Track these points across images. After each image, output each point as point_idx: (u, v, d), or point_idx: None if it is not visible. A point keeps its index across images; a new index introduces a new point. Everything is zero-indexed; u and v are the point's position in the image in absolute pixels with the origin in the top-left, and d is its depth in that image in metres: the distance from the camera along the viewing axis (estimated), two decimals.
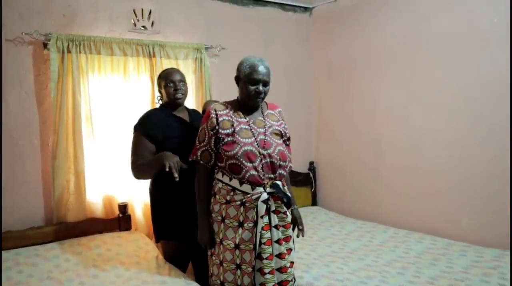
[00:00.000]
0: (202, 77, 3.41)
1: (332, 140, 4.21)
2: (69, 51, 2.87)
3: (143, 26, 3.27)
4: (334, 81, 4.13)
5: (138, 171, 2.34)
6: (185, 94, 2.50)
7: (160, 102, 2.57)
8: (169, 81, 2.44)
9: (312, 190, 4.29)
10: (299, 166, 4.21)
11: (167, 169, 2.09)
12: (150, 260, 2.58)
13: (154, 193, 2.50)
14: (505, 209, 2.85)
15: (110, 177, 3.10)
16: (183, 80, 2.49)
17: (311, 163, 4.35)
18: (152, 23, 3.31)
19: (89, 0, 3.05)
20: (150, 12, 3.28)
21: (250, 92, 2.08)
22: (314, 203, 4.31)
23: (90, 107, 2.99)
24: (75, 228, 2.92)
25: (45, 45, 2.85)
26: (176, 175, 2.09)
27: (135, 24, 3.24)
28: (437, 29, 3.20)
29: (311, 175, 4.29)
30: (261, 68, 2.08)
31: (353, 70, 3.92)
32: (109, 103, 3.11)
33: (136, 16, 3.24)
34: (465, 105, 3.06)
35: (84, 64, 2.95)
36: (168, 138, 2.35)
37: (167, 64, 3.22)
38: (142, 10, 3.25)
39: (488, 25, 2.89)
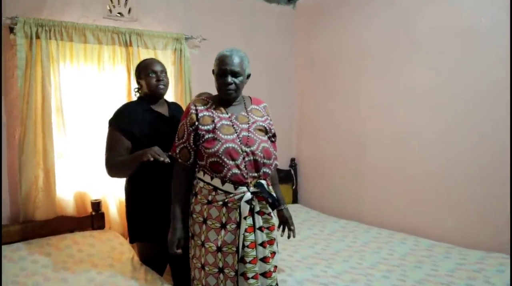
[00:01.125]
0: (182, 69, 3.26)
1: (314, 137, 4.12)
2: (38, 37, 2.67)
3: (119, 13, 3.09)
4: (316, 76, 4.04)
5: (113, 169, 2.20)
6: (166, 86, 2.36)
7: (137, 94, 2.42)
8: (150, 71, 2.29)
9: (293, 187, 4.21)
10: (280, 162, 4.06)
11: (151, 159, 1.95)
12: (124, 262, 2.43)
13: (129, 190, 2.35)
14: (488, 210, 2.83)
15: (82, 172, 2.92)
16: (165, 71, 2.35)
17: (292, 160, 4.26)
18: (129, 10, 3.13)
19: None
20: None
21: (219, 84, 1.98)
22: (295, 200, 4.23)
23: (61, 98, 2.80)
24: (44, 226, 2.74)
25: (11, 30, 2.64)
26: (163, 158, 1.96)
27: (110, 11, 3.06)
28: (423, 25, 3.14)
29: (292, 172, 4.20)
30: (230, 59, 1.96)
31: (336, 65, 3.83)
32: (82, 94, 2.92)
33: (112, 2, 3.06)
34: (450, 104, 3.02)
35: (55, 52, 2.75)
36: (145, 135, 2.21)
37: (144, 54, 3.05)
38: None
39: (474, 23, 2.84)
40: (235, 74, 1.97)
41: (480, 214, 2.88)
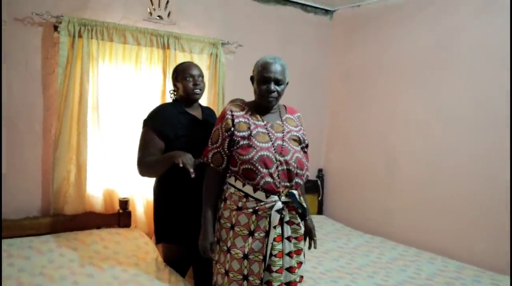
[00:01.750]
0: (216, 74, 3.27)
1: (343, 148, 4.07)
2: (80, 36, 2.73)
3: (159, 16, 3.14)
4: (350, 88, 4.00)
5: (145, 168, 2.21)
6: (202, 90, 2.38)
7: (173, 96, 2.44)
8: (188, 75, 2.31)
9: (319, 198, 4.16)
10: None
11: (180, 165, 1.96)
12: (149, 262, 2.44)
13: (159, 191, 2.37)
14: None
15: (113, 170, 2.96)
16: (202, 76, 2.37)
17: (320, 170, 4.22)
18: (169, 14, 3.17)
19: None
20: (167, 2, 3.15)
21: (262, 91, 1.96)
22: (320, 211, 4.18)
23: (97, 96, 2.85)
24: (73, 221, 2.78)
25: (55, 28, 2.72)
26: (191, 170, 1.96)
27: (150, 13, 3.11)
28: (464, 43, 3.07)
29: (319, 182, 4.16)
30: (274, 67, 1.95)
31: (372, 78, 3.78)
32: (118, 93, 2.97)
33: (152, 5, 3.11)
34: (488, 123, 2.93)
35: (95, 51, 2.81)
36: (179, 137, 2.22)
37: (181, 57, 3.08)
38: None
39: None
40: (278, 82, 1.96)
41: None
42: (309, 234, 2.21)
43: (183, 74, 2.32)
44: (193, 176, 1.97)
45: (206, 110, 2.50)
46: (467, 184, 3.04)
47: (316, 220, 3.82)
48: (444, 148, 3.20)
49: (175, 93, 2.42)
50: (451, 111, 3.16)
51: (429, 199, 3.29)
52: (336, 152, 4.16)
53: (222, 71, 3.29)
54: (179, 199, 2.25)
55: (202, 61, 3.20)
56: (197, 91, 2.32)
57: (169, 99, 2.58)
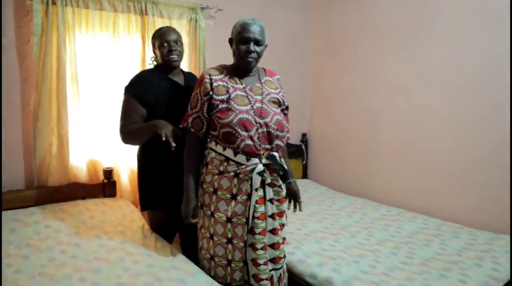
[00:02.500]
0: (197, 39, 3.22)
1: (326, 113, 4.09)
2: (54, 3, 2.64)
3: None
4: (333, 52, 3.98)
5: (128, 136, 2.21)
6: (180, 56, 2.34)
7: (154, 63, 2.41)
8: (163, 41, 2.27)
9: (304, 162, 4.20)
10: (291, 137, 4.07)
11: (163, 138, 1.96)
12: (135, 230, 2.47)
13: (142, 159, 2.38)
14: (499, 192, 2.81)
15: (95, 140, 2.94)
16: (178, 41, 2.33)
17: (304, 135, 4.25)
18: None
19: None
20: None
21: (241, 51, 1.95)
22: (304, 175, 4.23)
23: (76, 66, 2.78)
24: (57, 192, 2.78)
25: None
26: (173, 144, 1.96)
27: None
28: (442, 2, 3.05)
29: (303, 147, 4.19)
30: (253, 27, 1.94)
31: (353, 42, 3.76)
32: (97, 62, 2.91)
33: None
34: (468, 84, 2.96)
35: (71, 19, 2.73)
36: (160, 103, 2.21)
37: (160, 23, 3.02)
38: None
39: (501, 1, 2.75)
40: (257, 42, 1.95)
41: (490, 196, 2.86)
42: (294, 196, 2.24)
43: (159, 41, 2.29)
44: (173, 149, 1.96)
45: (189, 76, 2.47)
46: (445, 144, 3.10)
47: (301, 184, 3.87)
48: (423, 109, 3.23)
49: (156, 60, 2.40)
50: (430, 72, 3.17)
51: (410, 160, 3.35)
52: (319, 116, 4.18)
53: (202, 37, 3.24)
54: (162, 166, 2.26)
55: (181, 27, 3.14)
56: (173, 57, 2.29)
57: (148, 67, 2.54)
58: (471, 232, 2.76)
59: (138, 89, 2.22)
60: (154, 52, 2.37)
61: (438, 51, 3.11)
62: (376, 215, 3.11)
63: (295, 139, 4.16)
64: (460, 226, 2.89)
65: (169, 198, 2.25)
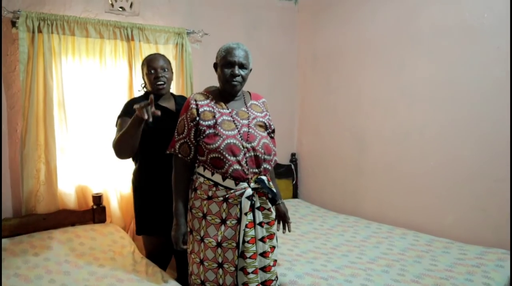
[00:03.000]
0: (183, 63, 3.25)
1: (315, 132, 4.12)
2: (40, 31, 2.67)
3: (121, 7, 3.08)
4: (318, 72, 4.04)
5: (117, 144, 2.14)
6: (168, 82, 2.36)
7: (144, 90, 2.43)
8: (150, 68, 2.31)
9: (294, 182, 4.21)
10: (281, 157, 4.11)
11: (145, 117, 1.82)
12: (126, 255, 2.45)
13: (136, 184, 2.39)
14: (488, 206, 2.84)
15: (83, 166, 2.93)
16: (166, 67, 2.35)
17: (293, 155, 4.27)
18: (131, 4, 3.12)
19: None
20: None
21: (226, 75, 1.97)
22: (295, 195, 4.24)
23: (62, 92, 2.79)
24: (46, 220, 2.75)
25: (13, 24, 2.64)
26: (150, 119, 1.83)
27: (112, 5, 3.05)
28: (425, 21, 3.13)
29: (292, 166, 4.21)
30: (237, 51, 1.97)
31: (338, 61, 3.83)
32: (84, 88, 2.92)
33: None
34: (451, 100, 3.01)
35: (57, 46, 2.75)
36: (152, 130, 2.21)
37: (146, 48, 3.05)
38: None
39: (477, 19, 2.83)
40: (242, 66, 1.98)
41: (479, 210, 2.88)
42: (283, 218, 2.24)
43: (146, 68, 2.33)
44: (150, 119, 1.84)
45: (180, 100, 2.47)
46: (433, 160, 3.13)
47: (292, 204, 3.89)
48: (409, 126, 3.28)
49: (145, 87, 2.42)
50: (414, 89, 3.23)
51: (398, 177, 3.38)
52: (308, 136, 4.21)
53: (189, 61, 3.27)
54: (157, 191, 2.27)
55: (168, 52, 3.17)
56: (160, 85, 2.30)
57: (137, 93, 2.56)
58: (461, 247, 2.77)
59: (131, 112, 2.17)
60: (144, 79, 2.40)
61: (421, 69, 3.18)
62: (367, 233, 3.12)
63: (284, 159, 4.18)
64: (450, 241, 2.90)
65: (164, 223, 2.23)
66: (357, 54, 3.65)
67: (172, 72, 2.46)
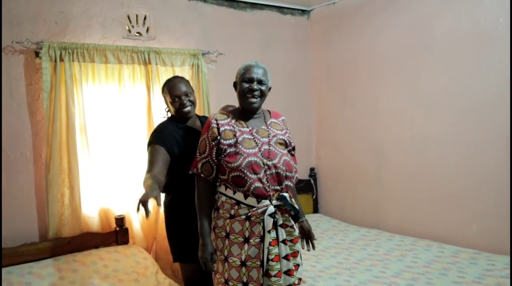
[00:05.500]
0: (200, 84, 3.31)
1: (333, 146, 4.12)
2: (61, 60, 2.76)
3: (138, 33, 3.17)
4: (334, 85, 4.05)
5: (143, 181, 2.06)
6: (194, 105, 2.37)
7: (169, 114, 2.44)
8: (174, 97, 2.31)
9: (313, 197, 4.20)
10: (300, 172, 4.05)
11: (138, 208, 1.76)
12: (149, 276, 2.48)
13: (171, 211, 2.35)
14: None
15: (106, 189, 2.99)
16: (189, 92, 2.35)
17: (312, 169, 4.26)
18: (147, 29, 3.21)
19: (82, 7, 2.95)
20: (145, 18, 3.19)
21: (244, 90, 1.99)
22: (315, 210, 4.21)
23: (84, 118, 2.87)
24: (71, 243, 2.80)
25: (37, 54, 2.75)
26: (145, 214, 1.73)
27: (129, 31, 3.14)
28: (439, 30, 3.13)
29: (312, 181, 4.20)
30: (256, 68, 2.01)
31: (353, 73, 3.84)
32: (104, 112, 3.00)
33: (130, 22, 3.14)
34: (469, 109, 2.99)
35: (78, 73, 2.84)
36: (185, 153, 2.21)
37: (163, 71, 3.12)
38: (137, 16, 3.15)
39: (493, 26, 2.83)
40: (260, 82, 2.01)
41: (505, 219, 2.83)
42: (307, 235, 2.22)
43: (169, 96, 2.33)
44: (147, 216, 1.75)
45: (204, 120, 2.43)
46: (454, 169, 3.10)
47: (312, 219, 3.87)
48: (428, 136, 3.26)
49: (169, 111, 2.42)
50: (431, 99, 3.22)
51: (419, 187, 3.34)
52: (326, 150, 4.21)
53: (205, 81, 3.33)
54: (192, 218, 2.16)
55: (184, 73, 3.23)
56: (187, 110, 2.32)
57: (155, 115, 2.58)
58: (488, 257, 2.71)
59: (161, 138, 2.23)
60: (167, 104, 2.41)
61: (437, 78, 3.17)
62: (390, 246, 3.08)
63: (303, 174, 4.18)
64: (477, 251, 2.84)
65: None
66: (372, 66, 3.66)
67: (194, 94, 2.44)
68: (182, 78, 2.44)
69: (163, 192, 2.34)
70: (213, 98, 3.41)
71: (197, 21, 3.47)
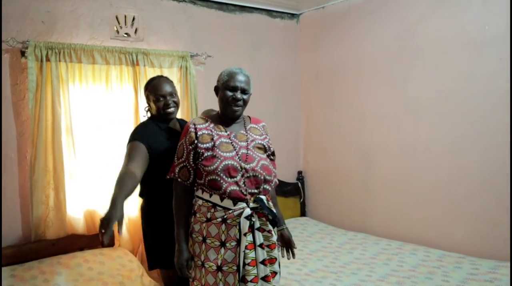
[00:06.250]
0: (188, 86, 3.30)
1: (320, 150, 4.13)
2: (48, 60, 2.73)
3: (126, 33, 3.15)
4: (322, 89, 4.07)
5: (116, 180, 1.97)
6: (177, 106, 2.32)
7: (149, 114, 2.37)
8: (158, 96, 2.24)
9: (301, 200, 4.20)
10: (287, 175, 4.13)
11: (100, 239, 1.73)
12: (134, 279, 2.46)
13: (146, 218, 2.29)
14: (499, 219, 2.81)
15: (92, 190, 2.96)
16: (173, 92, 2.30)
17: (300, 173, 4.27)
18: (136, 30, 3.19)
19: (70, 7, 2.92)
20: (133, 19, 3.17)
21: (228, 98, 1.97)
22: (303, 213, 4.21)
23: (70, 118, 2.84)
24: (55, 245, 2.77)
25: (22, 53, 2.71)
26: (104, 241, 1.72)
27: (117, 31, 3.12)
28: (426, 35, 3.16)
29: (299, 184, 4.20)
30: (240, 76, 1.99)
31: (341, 78, 3.86)
32: (91, 114, 2.97)
33: (119, 23, 3.12)
34: (456, 114, 3.02)
35: (64, 73, 2.81)
36: (166, 155, 2.14)
37: (151, 72, 3.10)
38: (125, 16, 3.14)
39: (478, 32, 2.86)
40: (244, 91, 2.00)
41: (490, 223, 2.86)
42: (288, 243, 2.18)
43: (153, 95, 2.26)
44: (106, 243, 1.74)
45: (183, 123, 2.43)
46: (440, 174, 3.12)
47: (300, 222, 3.88)
48: (414, 141, 3.28)
49: (150, 111, 2.35)
50: (418, 104, 3.24)
51: (406, 192, 3.36)
52: (313, 154, 4.22)
53: (193, 83, 3.32)
54: (167, 223, 2.12)
55: (172, 75, 3.22)
56: (171, 110, 2.26)
57: (142, 116, 2.54)
58: (473, 262, 2.74)
59: (144, 136, 2.16)
60: (149, 104, 2.34)
61: (424, 84, 3.19)
62: (376, 250, 3.09)
63: (291, 178, 4.19)
64: (462, 255, 2.87)
65: None
66: (360, 71, 3.68)
67: (178, 95, 2.39)
68: (167, 78, 2.39)
69: (139, 195, 2.28)
70: (201, 101, 3.40)
71: (186, 23, 3.46)
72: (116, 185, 1.89)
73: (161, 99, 2.24)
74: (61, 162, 2.78)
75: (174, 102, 2.29)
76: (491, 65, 2.81)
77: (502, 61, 2.75)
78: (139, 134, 2.19)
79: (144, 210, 2.30)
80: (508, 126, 2.74)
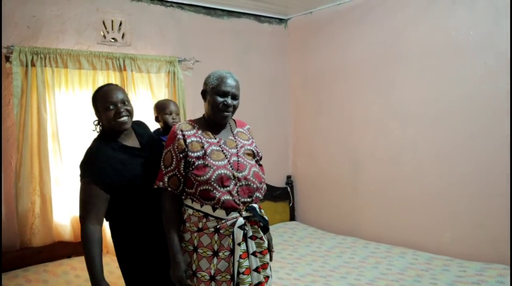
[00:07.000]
0: (176, 91, 3.29)
1: (309, 154, 4.14)
2: (33, 65, 2.71)
3: (113, 38, 3.14)
4: (310, 93, 4.08)
5: (82, 240, 1.87)
6: (131, 115, 1.97)
7: (98, 129, 2.05)
8: (108, 104, 1.90)
9: (290, 204, 4.20)
10: (276, 180, 4.13)
11: None
12: (122, 285, 2.42)
13: (119, 243, 2.09)
14: (486, 222, 2.84)
15: (78, 197, 2.91)
16: (126, 100, 1.95)
17: (289, 177, 4.27)
18: (123, 35, 3.18)
19: (56, 11, 2.90)
20: (120, 24, 3.16)
21: (218, 105, 1.89)
22: (292, 218, 4.22)
23: (56, 124, 2.82)
24: (41, 252, 2.73)
25: (7, 58, 2.68)
26: None
27: (104, 36, 3.10)
28: (413, 41, 3.20)
29: (288, 189, 4.20)
30: (230, 81, 1.90)
31: (329, 82, 3.88)
32: (77, 119, 2.94)
33: (105, 28, 3.10)
34: (443, 118, 3.05)
35: (50, 79, 2.79)
36: (128, 181, 1.91)
37: (138, 77, 3.09)
38: (112, 21, 3.12)
39: (464, 38, 2.90)
40: (234, 96, 1.93)
41: (477, 226, 2.89)
42: (267, 246, 2.10)
43: (103, 104, 1.92)
44: None
45: (139, 129, 2.13)
46: (428, 178, 3.15)
47: (289, 226, 3.88)
48: (402, 145, 3.31)
49: (100, 124, 2.03)
50: (405, 108, 3.28)
51: (394, 196, 3.38)
52: (302, 158, 4.23)
53: (181, 88, 3.31)
54: (141, 244, 1.99)
55: (160, 80, 3.21)
56: (123, 120, 1.92)
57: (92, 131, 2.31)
58: (460, 264, 2.77)
59: (94, 172, 1.88)
60: (98, 116, 2.00)
61: (411, 88, 3.23)
62: (365, 253, 3.10)
63: (280, 182, 4.19)
64: (450, 258, 2.90)
65: (155, 274, 2.01)
66: (347, 75, 3.70)
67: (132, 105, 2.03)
68: (117, 85, 2.07)
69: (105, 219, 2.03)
70: (190, 106, 3.39)
71: (174, 28, 3.46)
72: (88, 263, 1.87)
73: (111, 107, 1.90)
74: (47, 168, 2.75)
75: (127, 110, 1.94)
76: (476, 69, 2.85)
77: (486, 66, 2.79)
78: (92, 172, 1.89)
79: (116, 236, 2.09)
80: (493, 129, 2.78)
